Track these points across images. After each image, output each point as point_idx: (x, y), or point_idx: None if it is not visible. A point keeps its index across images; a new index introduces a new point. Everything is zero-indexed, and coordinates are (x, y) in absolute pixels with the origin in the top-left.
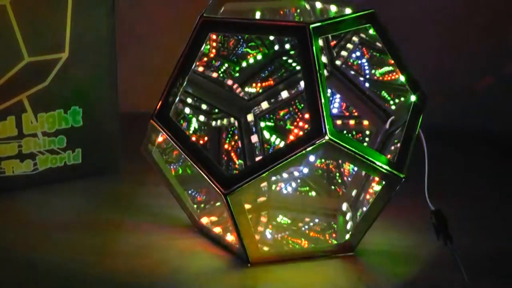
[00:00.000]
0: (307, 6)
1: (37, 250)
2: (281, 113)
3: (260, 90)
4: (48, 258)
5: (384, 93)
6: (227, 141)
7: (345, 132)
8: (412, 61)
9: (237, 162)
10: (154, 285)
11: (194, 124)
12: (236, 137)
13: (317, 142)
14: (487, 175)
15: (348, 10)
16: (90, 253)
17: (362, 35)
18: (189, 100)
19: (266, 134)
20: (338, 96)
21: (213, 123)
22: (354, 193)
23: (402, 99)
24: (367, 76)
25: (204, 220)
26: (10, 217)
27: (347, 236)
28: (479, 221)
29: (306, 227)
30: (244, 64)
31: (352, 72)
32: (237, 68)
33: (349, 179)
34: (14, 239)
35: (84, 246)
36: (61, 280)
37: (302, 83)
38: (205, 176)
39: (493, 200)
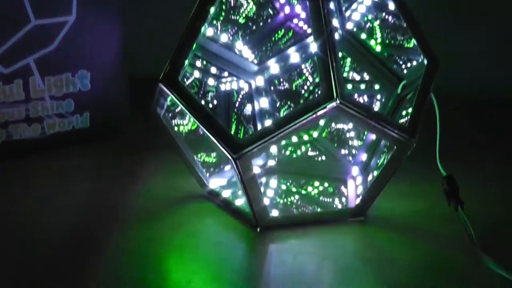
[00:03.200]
0: None
1: (44, 214)
2: (291, 76)
3: (270, 54)
4: (55, 222)
5: (396, 57)
6: (236, 105)
7: (356, 96)
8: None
9: (247, 127)
10: (163, 250)
11: (203, 88)
12: (246, 101)
13: (328, 106)
14: (499, 141)
15: None
16: (97, 218)
17: None
18: (198, 64)
19: (276, 98)
20: (349, 59)
21: (223, 86)
22: (364, 157)
23: (414, 62)
24: (379, 40)
25: (213, 184)
26: (18, 182)
27: (357, 201)
28: (491, 187)
29: (316, 191)
30: (254, 27)
31: (364, 36)
32: (247, 32)
33: (360, 143)
34: (22, 203)
35: (91, 211)
36: (68, 244)
37: (313, 47)
38: (215, 141)
39: (505, 166)
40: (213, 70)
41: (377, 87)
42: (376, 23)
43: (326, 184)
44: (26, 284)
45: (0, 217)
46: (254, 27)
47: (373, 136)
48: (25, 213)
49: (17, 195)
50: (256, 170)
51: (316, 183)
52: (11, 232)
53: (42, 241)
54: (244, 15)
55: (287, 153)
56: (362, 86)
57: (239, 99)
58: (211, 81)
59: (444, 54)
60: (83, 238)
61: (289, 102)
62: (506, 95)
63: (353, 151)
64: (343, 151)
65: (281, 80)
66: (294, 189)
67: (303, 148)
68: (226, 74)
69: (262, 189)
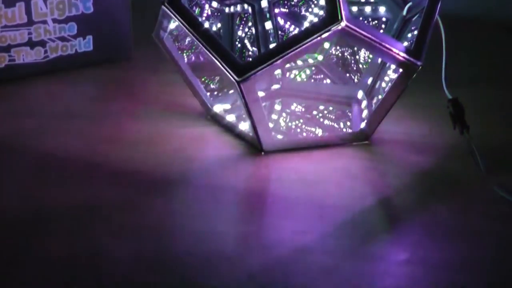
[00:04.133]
0: None
1: (47, 138)
2: None
3: None
4: (58, 146)
5: None
6: (240, 28)
7: (361, 18)
8: None
9: (251, 49)
10: (167, 173)
11: (207, 10)
12: (250, 24)
13: (333, 28)
14: (506, 64)
15: None
16: (101, 141)
17: None
18: None
19: (281, 21)
20: None
21: (226, 9)
22: (369, 80)
23: None
24: None
25: (217, 108)
26: (21, 105)
27: (362, 125)
28: (496, 111)
29: (320, 115)
30: None
31: None
32: None
33: (365, 66)
34: (24, 127)
35: (95, 135)
36: (70, 169)
37: None
38: (218, 63)
39: (511, 91)
40: None
41: (382, 9)
42: None
43: (330, 108)
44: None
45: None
46: None
47: (378, 59)
48: (26, 136)
49: (18, 118)
50: (260, 93)
51: (321, 107)
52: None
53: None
54: None
55: (292, 76)
56: (368, 8)
57: (243, 22)
58: (214, 3)
59: None
60: (83, 163)
61: (293, 25)
62: None
63: (358, 74)
64: (348, 75)
65: (285, 2)
66: (298, 113)
67: (308, 72)
68: None
69: (266, 112)
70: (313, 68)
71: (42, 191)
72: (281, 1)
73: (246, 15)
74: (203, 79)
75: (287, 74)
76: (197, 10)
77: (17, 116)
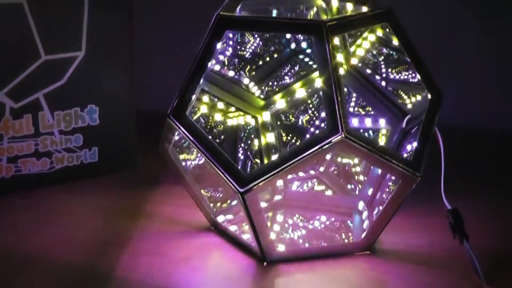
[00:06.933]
0: (324, 5)
1: (54, 248)
2: (298, 111)
3: (277, 89)
4: (65, 256)
5: (400, 92)
6: (243, 140)
7: (361, 130)
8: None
9: (253, 161)
10: (171, 283)
11: (211, 123)
12: (253, 136)
13: (333, 140)
14: (503, 174)
15: (364, 9)
16: (106, 251)
17: (379, 33)
18: (205, 99)
19: (283, 133)
20: (354, 94)
21: (230, 121)
22: (370, 191)
23: (419, 97)
24: (383, 75)
25: (221, 219)
26: (27, 216)
27: (363, 235)
28: (495, 220)
29: (322, 226)
30: (260, 62)
31: (368, 71)
32: (254, 67)
33: (365, 177)
34: (30, 237)
35: (101, 245)
36: (79, 279)
37: (318, 82)
38: (222, 175)
39: (509, 200)
40: (220, 105)
41: (382, 121)
42: (380, 58)
43: (332, 218)
44: None
45: (9, 252)
46: (260, 63)
47: (378, 170)
48: (34, 248)
49: (26, 229)
50: (263, 204)
51: (323, 217)
52: (19, 267)
53: (49, 280)
54: (250, 50)
55: (294, 187)
56: (368, 121)
57: (245, 134)
58: (218, 116)
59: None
60: (90, 272)
61: (295, 137)
62: None
63: (359, 185)
64: (349, 186)
65: (288, 114)
66: (300, 224)
67: (310, 183)
68: (233, 109)
69: (268, 223)
70: (315, 179)
71: None
72: (283, 114)
73: (249, 127)
74: (206, 190)
75: (289, 185)
76: (201, 122)
77: (23, 226)
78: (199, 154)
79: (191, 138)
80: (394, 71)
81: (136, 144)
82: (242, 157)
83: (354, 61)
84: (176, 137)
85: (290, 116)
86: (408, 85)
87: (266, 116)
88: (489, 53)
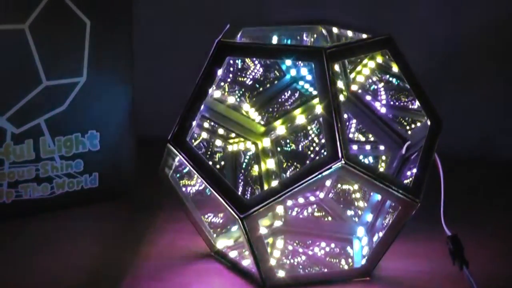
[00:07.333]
0: (324, 31)
1: (53, 274)
2: (298, 137)
3: (277, 115)
4: (65, 283)
5: (400, 118)
6: (243, 166)
7: (361, 157)
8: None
9: (253, 187)
10: None
11: (211, 149)
12: (253, 162)
13: (333, 166)
14: (504, 200)
15: (364, 35)
16: (107, 277)
17: (379, 60)
18: (205, 125)
19: (283, 159)
20: (354, 121)
21: (230, 147)
22: (370, 218)
23: (418, 124)
24: (383, 101)
25: (220, 245)
26: (27, 241)
27: (363, 261)
28: (495, 247)
29: (322, 252)
30: (260, 88)
31: (368, 97)
32: (254, 93)
33: (365, 203)
34: (30, 263)
35: (101, 271)
36: None
37: (318, 108)
38: (222, 200)
39: (509, 226)
40: (221, 131)
41: (382, 147)
42: (380, 85)
43: (332, 245)
44: None
45: (7, 279)
46: (261, 89)
47: (378, 196)
48: (33, 274)
49: (25, 255)
50: (263, 230)
51: (323, 244)
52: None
53: None
54: (251, 77)
55: (294, 213)
56: (367, 147)
57: (246, 160)
58: (218, 142)
59: (447, 115)
60: None
61: (295, 163)
62: None
63: (359, 211)
64: (348, 212)
65: (288, 141)
66: (300, 250)
67: (309, 209)
68: (233, 135)
69: (268, 249)
70: (315, 205)
71: None
72: (283, 140)
73: (249, 153)
74: (206, 216)
75: (289, 211)
76: (201, 148)
77: (23, 252)
78: (199, 180)
79: (191, 163)
80: (394, 97)
81: (137, 170)
82: (242, 183)
83: (354, 87)
84: (177, 163)
85: (290, 143)
86: (408, 111)
87: (266, 142)
88: (489, 80)
